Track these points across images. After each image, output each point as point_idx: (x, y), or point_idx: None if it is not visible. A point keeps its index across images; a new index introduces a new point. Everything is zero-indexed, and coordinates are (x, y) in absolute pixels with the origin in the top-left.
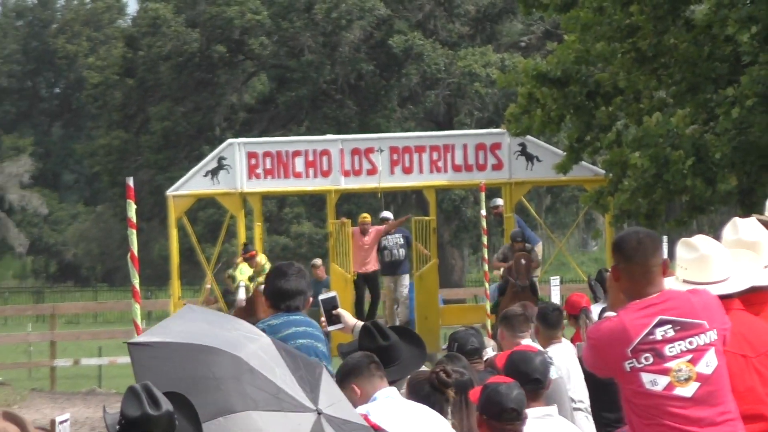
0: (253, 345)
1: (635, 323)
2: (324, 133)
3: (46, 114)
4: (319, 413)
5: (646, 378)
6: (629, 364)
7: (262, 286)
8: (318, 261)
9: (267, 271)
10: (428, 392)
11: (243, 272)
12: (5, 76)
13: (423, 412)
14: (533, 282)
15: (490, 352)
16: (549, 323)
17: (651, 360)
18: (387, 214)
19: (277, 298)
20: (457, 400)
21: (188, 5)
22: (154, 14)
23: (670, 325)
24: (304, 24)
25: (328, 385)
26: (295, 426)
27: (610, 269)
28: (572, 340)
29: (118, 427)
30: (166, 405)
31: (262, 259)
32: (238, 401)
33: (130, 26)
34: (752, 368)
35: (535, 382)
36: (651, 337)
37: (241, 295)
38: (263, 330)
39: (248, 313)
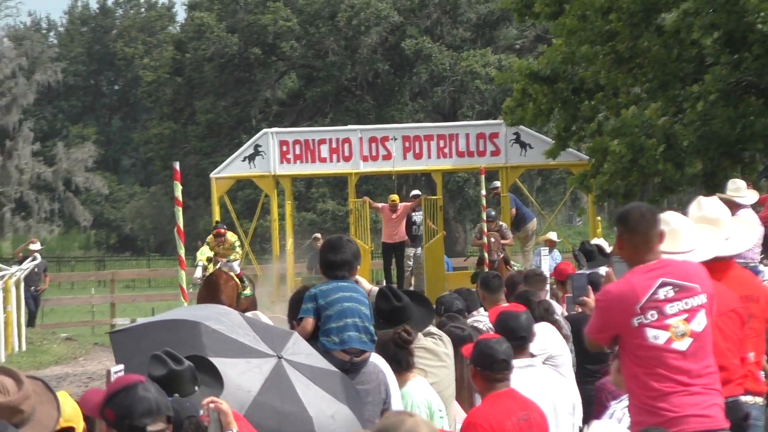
0: (222, 317)
1: (642, 284)
2: (346, 124)
3: (107, 108)
4: (280, 357)
5: (650, 333)
6: (637, 320)
7: (235, 263)
8: (318, 235)
9: (237, 249)
10: (395, 350)
11: (203, 253)
12: (72, 75)
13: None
14: (505, 255)
15: (482, 312)
16: (491, 288)
17: (655, 317)
18: (417, 192)
19: (327, 268)
20: (459, 355)
21: (229, 14)
22: (199, 22)
23: (670, 287)
24: (329, 30)
25: (298, 342)
26: (254, 368)
27: (616, 240)
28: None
29: None
30: (187, 362)
31: (231, 237)
32: (200, 350)
33: (179, 32)
34: (715, 326)
35: (521, 339)
36: (655, 296)
37: (198, 273)
38: (315, 294)
39: (209, 290)
